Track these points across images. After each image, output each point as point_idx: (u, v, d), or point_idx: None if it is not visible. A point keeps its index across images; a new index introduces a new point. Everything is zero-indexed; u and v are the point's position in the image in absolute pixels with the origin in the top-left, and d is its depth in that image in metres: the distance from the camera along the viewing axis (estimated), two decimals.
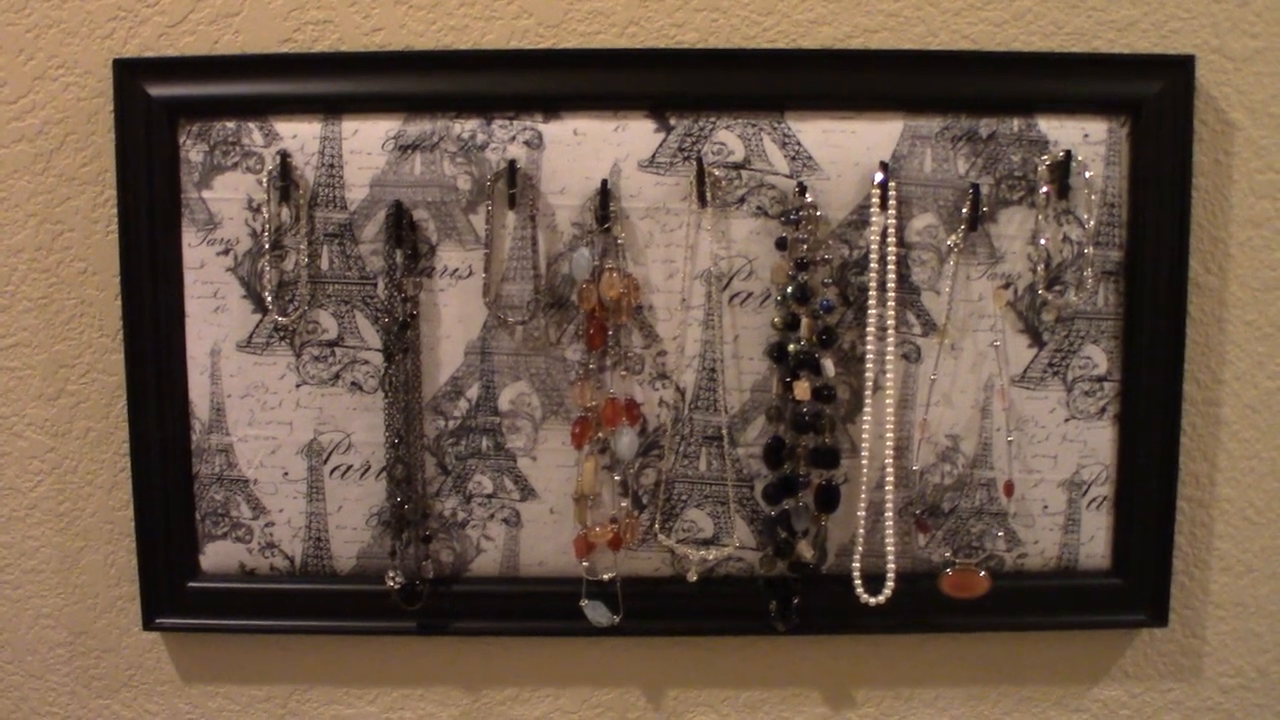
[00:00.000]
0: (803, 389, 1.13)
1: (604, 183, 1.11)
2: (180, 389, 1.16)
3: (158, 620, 1.22)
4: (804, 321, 1.13)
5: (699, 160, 1.12)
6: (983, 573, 1.14)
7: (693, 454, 1.18)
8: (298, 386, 1.16)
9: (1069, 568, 1.18)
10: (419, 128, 1.13)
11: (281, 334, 1.16)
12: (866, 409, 1.13)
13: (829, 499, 1.16)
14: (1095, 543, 1.18)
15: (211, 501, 1.21)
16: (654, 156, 1.13)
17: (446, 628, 1.19)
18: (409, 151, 1.13)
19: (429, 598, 1.16)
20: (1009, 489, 1.16)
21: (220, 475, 1.20)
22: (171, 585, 1.20)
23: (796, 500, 1.14)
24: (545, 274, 1.13)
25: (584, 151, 1.12)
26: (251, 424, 1.17)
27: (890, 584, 1.12)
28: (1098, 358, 1.15)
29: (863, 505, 1.12)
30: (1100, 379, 1.16)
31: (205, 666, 1.27)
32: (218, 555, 1.21)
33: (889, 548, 1.12)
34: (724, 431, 1.16)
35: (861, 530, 1.12)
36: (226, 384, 1.17)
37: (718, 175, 1.14)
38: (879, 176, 1.10)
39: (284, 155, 1.14)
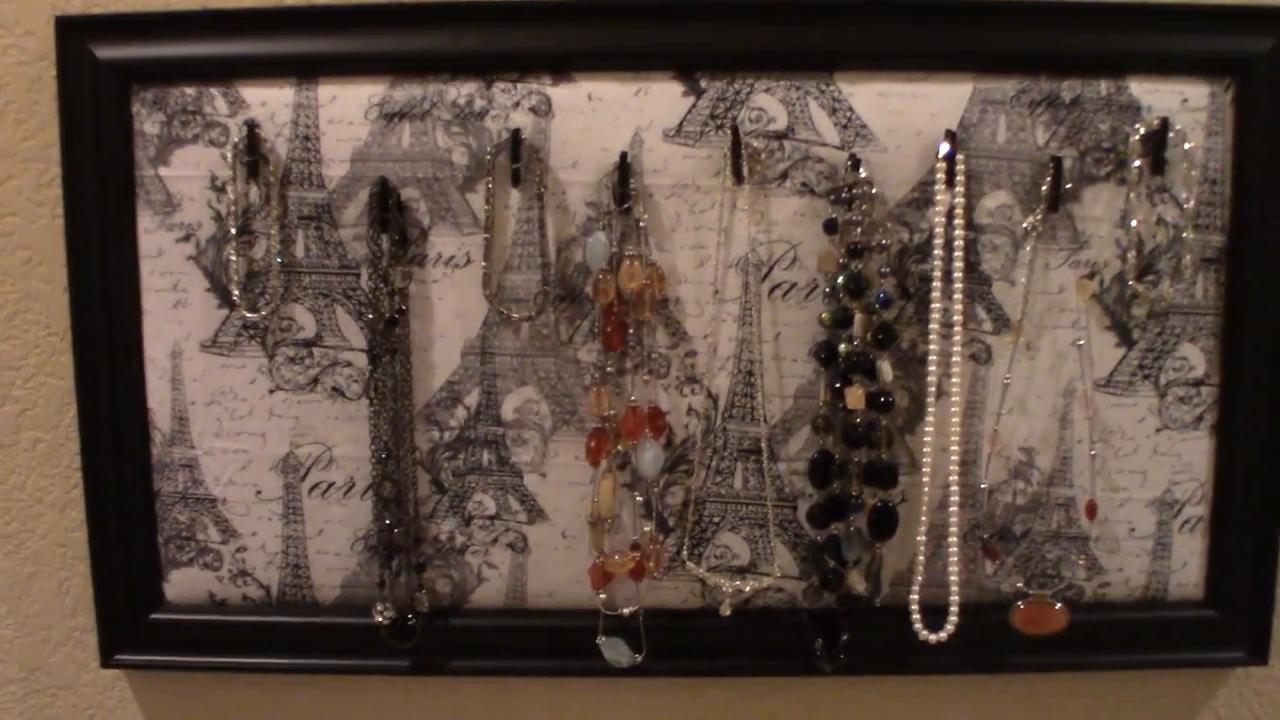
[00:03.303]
0: (855, 396, 0.90)
1: (623, 156, 0.90)
2: (138, 395, 0.95)
3: (117, 656, 0.99)
4: (857, 317, 0.90)
5: (734, 129, 0.90)
6: (1059, 605, 0.94)
7: (727, 470, 0.95)
8: (271, 392, 0.95)
9: (1157, 598, 0.97)
10: (407, 93, 0.91)
11: (251, 332, 0.94)
12: (928, 418, 0.91)
13: (885, 523, 0.92)
14: (1187, 570, 0.97)
15: (175, 523, 0.98)
16: (681, 125, 0.91)
17: (443, 667, 0.98)
18: (396, 120, 0.91)
19: (423, 633, 0.96)
20: (1091, 510, 0.94)
21: (184, 493, 0.97)
22: (133, 617, 0.98)
23: (847, 525, 0.92)
24: (555, 262, 0.92)
25: (600, 119, 0.90)
26: (219, 435, 0.96)
27: (953, 618, 0.91)
28: (1194, 359, 0.94)
29: (923, 529, 0.91)
30: (1197, 383, 0.95)
31: (172, 708, 1.03)
32: (184, 584, 0.98)
33: (952, 577, 0.92)
34: (763, 444, 0.94)
35: (921, 557, 0.92)
36: (190, 389, 0.95)
37: (756, 147, 0.91)
38: (945, 148, 0.89)
39: (251, 126, 0.91)
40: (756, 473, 0.95)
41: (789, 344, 0.93)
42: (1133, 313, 0.93)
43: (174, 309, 0.94)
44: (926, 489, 0.91)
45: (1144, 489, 0.95)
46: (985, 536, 0.95)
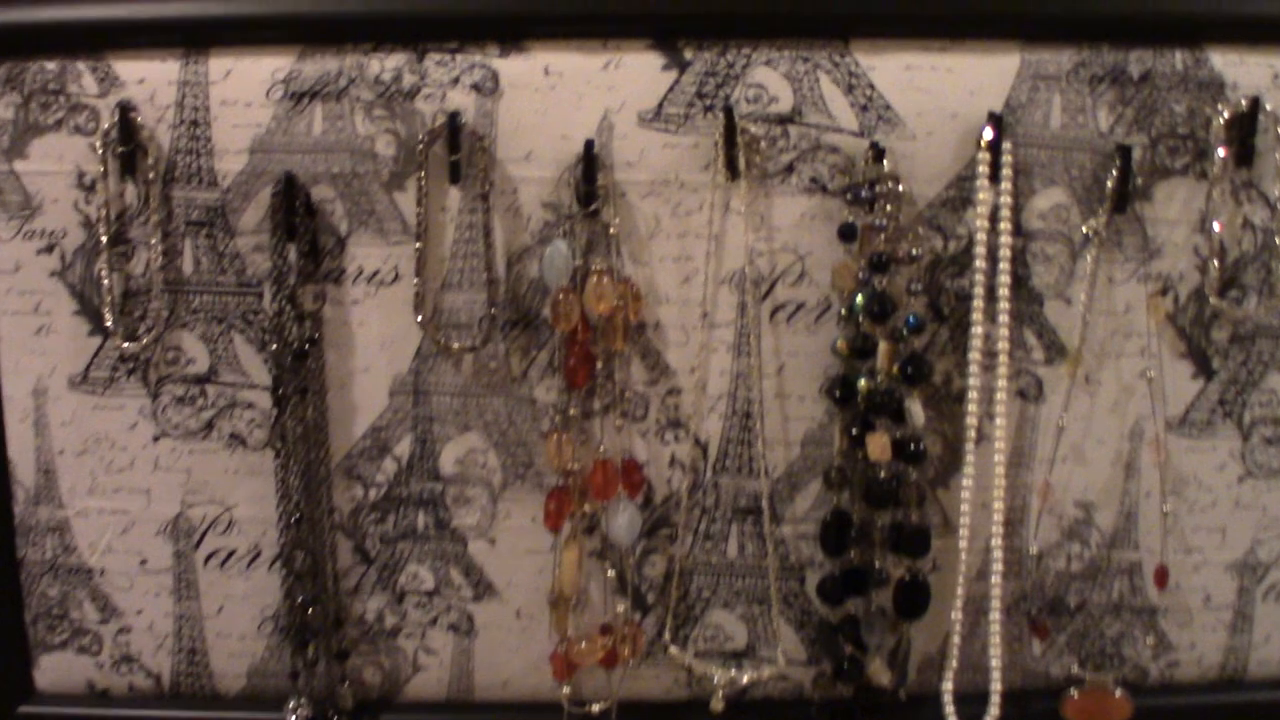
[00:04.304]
0: (878, 444, 0.73)
1: (589, 145, 0.72)
2: None
3: None
4: (881, 346, 0.73)
5: (728, 111, 0.72)
6: (1120, 691, 0.79)
7: (719, 534, 0.78)
8: (155, 440, 0.78)
9: (1236, 679, 0.82)
10: (319, 66, 0.74)
11: (130, 365, 0.77)
12: (967, 469, 0.75)
13: (914, 600, 0.76)
14: (1272, 645, 0.82)
15: (44, 598, 0.80)
16: (661, 106, 0.74)
17: None
18: (305, 101, 0.74)
19: None
20: (1161, 576, 0.79)
21: (54, 562, 0.79)
22: None
23: (868, 602, 0.76)
24: (505, 279, 0.75)
25: (559, 99, 0.73)
26: (93, 492, 0.78)
27: (995, 708, 0.77)
28: None
29: (958, 602, 0.76)
30: None
31: None
32: (57, 671, 0.81)
33: (993, 660, 0.77)
34: (764, 502, 0.77)
35: (956, 637, 0.76)
36: (57, 436, 0.78)
37: (755, 133, 0.73)
38: (988, 134, 0.73)
39: (126, 109, 0.73)
40: (755, 537, 0.78)
41: (795, 379, 0.76)
42: (1213, 337, 0.77)
43: (35, 337, 0.77)
44: (964, 555, 0.76)
45: (1223, 550, 0.80)
46: (1033, 610, 0.80)
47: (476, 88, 0.73)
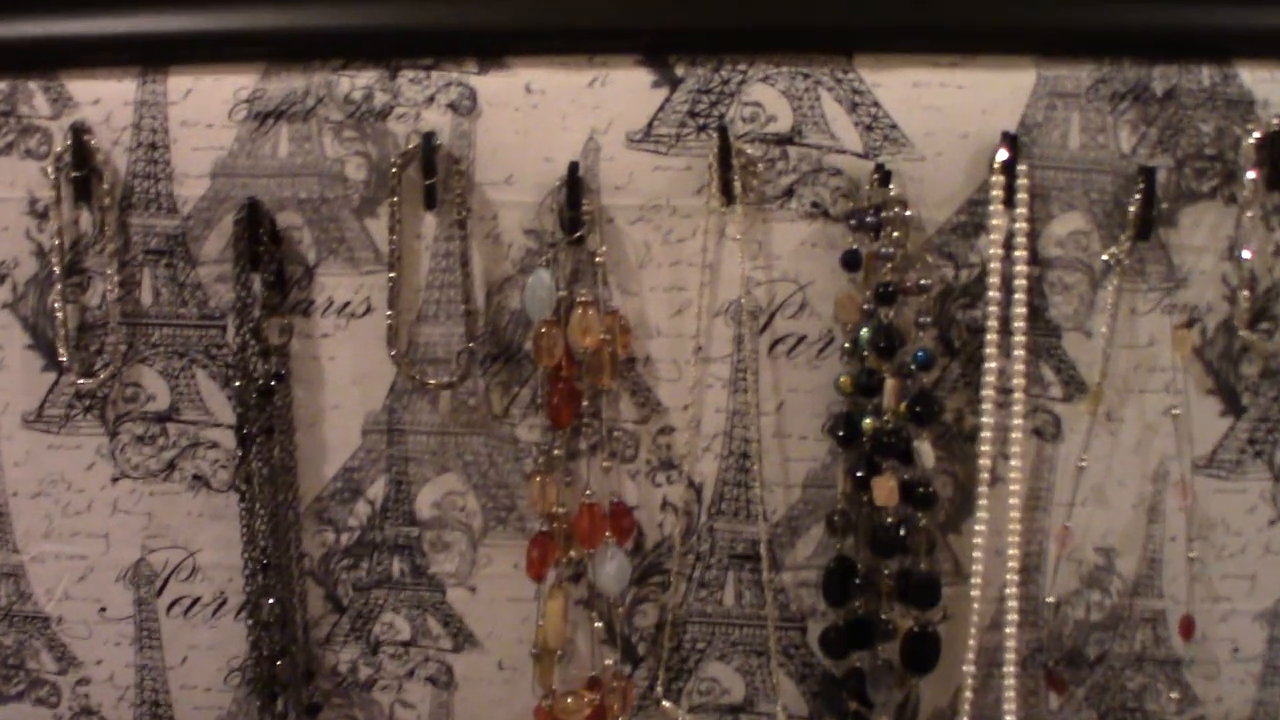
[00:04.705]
0: (885, 488, 0.68)
1: (573, 167, 0.68)
2: None
3: None
4: (888, 383, 0.68)
5: (722, 131, 0.68)
6: None
7: (714, 582, 0.73)
8: (114, 481, 0.73)
9: None
10: (284, 85, 0.69)
11: (87, 403, 0.73)
12: (980, 513, 0.70)
13: (924, 653, 0.71)
14: None
15: None
16: (651, 126, 0.69)
17: None
18: (270, 122, 0.70)
19: None
20: (1187, 626, 0.74)
21: (8, 610, 0.75)
22: None
23: (874, 654, 0.71)
24: (484, 310, 0.71)
25: (542, 119, 0.69)
26: (49, 536, 0.74)
27: None
28: None
29: (971, 655, 0.71)
30: None
31: None
32: None
33: (1008, 715, 0.71)
34: (762, 548, 0.72)
35: (969, 691, 0.71)
36: (10, 477, 0.74)
37: (751, 155, 0.69)
38: (1001, 155, 0.68)
39: (79, 130, 0.69)
40: (754, 585, 0.73)
41: (796, 417, 0.71)
42: (1242, 371, 0.72)
43: None
44: (976, 604, 0.70)
45: (1252, 598, 0.74)
46: (1050, 662, 0.75)
47: (453, 107, 0.69)
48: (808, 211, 0.69)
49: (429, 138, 0.67)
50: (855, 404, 0.69)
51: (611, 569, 0.69)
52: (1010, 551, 0.70)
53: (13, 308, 0.71)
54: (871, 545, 0.69)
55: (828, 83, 0.68)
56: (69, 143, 0.68)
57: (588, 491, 0.70)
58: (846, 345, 0.70)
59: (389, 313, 0.69)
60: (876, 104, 0.68)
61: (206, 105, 0.69)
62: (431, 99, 0.68)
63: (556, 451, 0.69)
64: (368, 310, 0.70)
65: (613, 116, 0.68)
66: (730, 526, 0.72)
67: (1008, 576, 0.70)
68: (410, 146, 0.68)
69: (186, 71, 0.69)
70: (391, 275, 0.69)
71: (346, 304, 0.70)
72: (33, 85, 0.69)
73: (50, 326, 0.71)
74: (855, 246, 0.68)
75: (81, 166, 0.68)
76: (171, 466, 0.72)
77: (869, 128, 0.68)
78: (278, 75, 0.69)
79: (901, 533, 0.69)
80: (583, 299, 0.67)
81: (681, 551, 0.72)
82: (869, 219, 0.68)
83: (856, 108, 0.68)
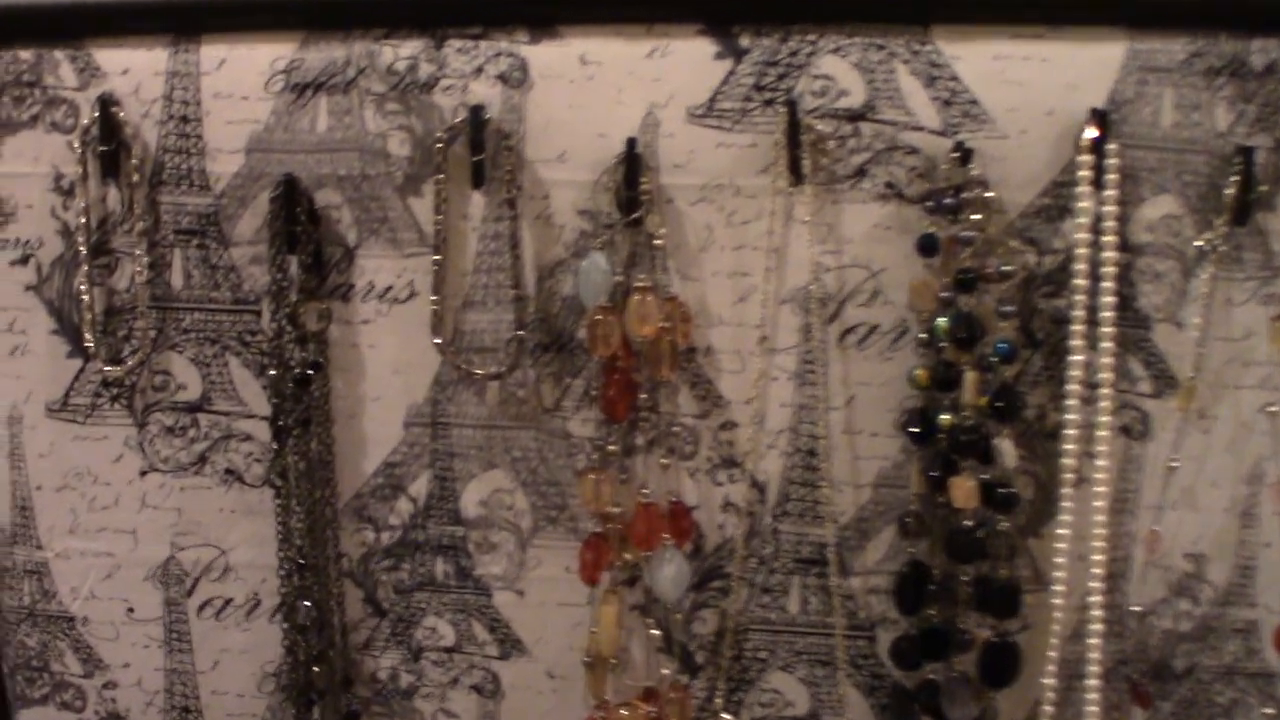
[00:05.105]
0: (964, 489, 0.63)
1: (631, 144, 0.63)
2: None
3: None
4: (967, 376, 0.64)
5: (791, 105, 0.63)
6: None
7: (778, 587, 0.69)
8: (143, 474, 0.70)
9: None
10: (324, 55, 0.65)
11: (114, 391, 0.69)
12: (1063, 516, 0.65)
13: (1003, 665, 0.66)
14: None
15: (21, 649, 0.72)
16: (714, 100, 0.64)
17: None
18: (309, 94, 0.66)
19: None
20: None
21: (31, 609, 0.72)
22: None
23: (949, 666, 0.66)
24: (535, 296, 0.66)
25: (598, 92, 0.64)
26: (75, 532, 0.71)
27: None
28: None
29: (1051, 666, 0.66)
30: None
31: None
32: None
33: None
34: (829, 552, 0.67)
35: (1049, 705, 0.67)
36: (34, 469, 0.70)
37: (822, 131, 0.64)
38: (1089, 134, 0.63)
39: (107, 102, 0.66)
40: (820, 591, 0.68)
41: (867, 412, 0.67)
42: None
43: (9, 359, 0.69)
44: (1058, 613, 0.66)
45: None
46: (1135, 675, 0.70)
47: (503, 79, 0.65)
48: (881, 192, 0.64)
49: (477, 111, 0.63)
50: (931, 399, 0.64)
51: (669, 573, 0.65)
52: (1094, 557, 0.65)
53: (37, 290, 0.68)
54: (948, 550, 0.65)
55: (903, 55, 0.63)
56: (96, 115, 0.65)
57: (644, 490, 0.65)
58: (922, 336, 0.65)
59: (433, 298, 0.65)
60: (955, 78, 0.63)
61: (241, 76, 0.65)
62: (480, 70, 0.65)
63: (611, 447, 0.65)
64: (411, 295, 0.67)
65: (673, 90, 0.64)
66: (795, 528, 0.67)
67: (1091, 584, 0.65)
68: (457, 121, 0.64)
69: (220, 40, 0.65)
70: (436, 258, 0.65)
71: (388, 288, 0.67)
72: (59, 54, 0.66)
73: (76, 310, 0.68)
74: (932, 230, 0.63)
75: (109, 140, 0.65)
76: (203, 460, 0.69)
77: (947, 103, 0.63)
78: (317, 44, 0.65)
79: (980, 536, 0.64)
80: (641, 284, 0.63)
81: (743, 555, 0.67)
82: (947, 201, 0.63)
83: (934, 82, 0.64)
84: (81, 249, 0.66)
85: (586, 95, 0.64)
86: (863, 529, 0.67)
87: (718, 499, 0.67)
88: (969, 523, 0.64)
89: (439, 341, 0.65)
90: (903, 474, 0.66)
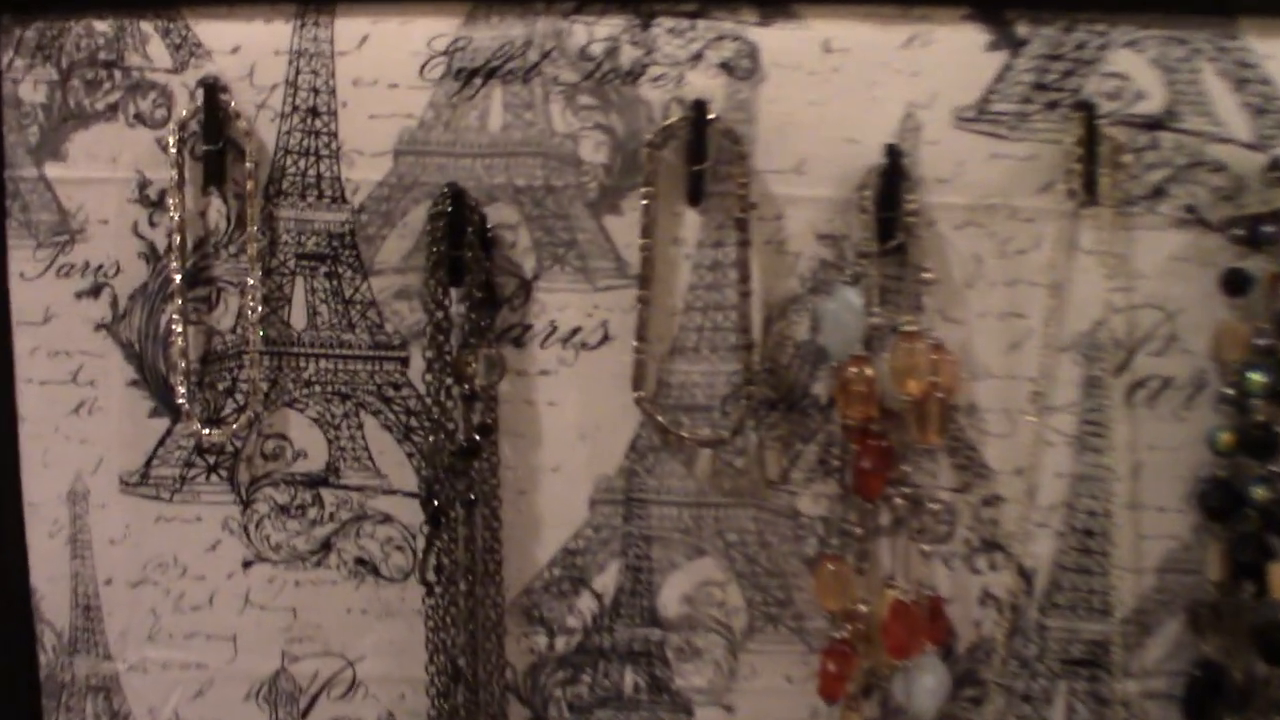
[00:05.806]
0: None
1: (894, 152, 0.52)
2: (12, 567, 0.58)
3: None
4: None
5: (1088, 109, 0.51)
6: None
7: (1040, 695, 0.55)
8: (247, 566, 0.57)
9: None
10: (498, 33, 0.54)
11: (213, 460, 0.57)
12: None
13: None
14: None
15: None
16: (986, 100, 0.53)
17: None
18: (478, 82, 0.54)
19: None
20: None
21: None
22: None
23: None
24: (763, 342, 0.54)
25: (845, 87, 0.54)
26: (155, 638, 0.57)
27: None
28: None
29: None
30: None
31: None
32: None
33: None
34: (1110, 650, 0.54)
35: None
36: (103, 559, 0.57)
37: (1117, 140, 0.52)
38: None
39: (211, 89, 0.54)
40: (1089, 698, 0.55)
41: (1157, 482, 0.54)
42: None
43: (72, 418, 0.57)
44: None
45: None
46: None
47: (727, 68, 0.54)
48: (1180, 217, 0.53)
49: (698, 108, 0.51)
50: (1237, 467, 0.53)
51: (929, 684, 0.52)
52: None
53: (110, 329, 0.55)
54: (1261, 649, 0.52)
55: (1209, 52, 0.53)
56: (197, 106, 0.53)
57: (895, 584, 0.52)
58: (1228, 391, 0.53)
59: (635, 343, 0.53)
60: (1267, 80, 0.53)
61: (389, 58, 0.54)
62: (698, 57, 0.54)
63: (858, 531, 0.51)
64: (604, 339, 0.55)
65: (936, 87, 0.53)
66: (1067, 624, 0.54)
67: None
68: (670, 120, 0.53)
69: (361, 11, 0.53)
70: (641, 294, 0.53)
71: (575, 330, 0.55)
72: (147, 26, 0.54)
73: (163, 356, 0.55)
74: (1240, 266, 0.52)
75: (214, 138, 0.53)
76: (327, 547, 0.56)
77: (1260, 111, 0.53)
78: (488, 19, 0.53)
79: None
80: (908, 327, 0.50)
81: (1003, 656, 0.54)
82: (1262, 229, 0.52)
83: (1244, 85, 0.53)
84: (174, 277, 0.53)
85: (831, 91, 0.53)
86: (1143, 622, 0.55)
87: (975, 589, 0.54)
88: None
89: (639, 397, 0.52)
90: (1192, 557, 0.55)
